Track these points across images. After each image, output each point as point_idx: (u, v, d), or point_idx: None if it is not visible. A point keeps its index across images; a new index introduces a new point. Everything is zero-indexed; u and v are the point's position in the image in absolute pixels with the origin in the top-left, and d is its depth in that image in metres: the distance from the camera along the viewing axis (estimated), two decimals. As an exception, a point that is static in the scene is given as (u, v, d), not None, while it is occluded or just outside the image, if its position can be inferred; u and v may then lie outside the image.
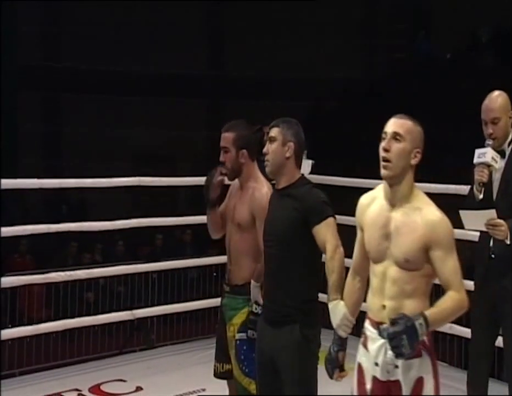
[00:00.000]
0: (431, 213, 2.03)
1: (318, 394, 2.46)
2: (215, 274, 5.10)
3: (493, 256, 2.74)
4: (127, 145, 11.99)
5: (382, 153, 2.04)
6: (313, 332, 2.41)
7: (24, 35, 11.40)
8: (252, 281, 2.64)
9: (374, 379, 2.06)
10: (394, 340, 1.91)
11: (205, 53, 13.01)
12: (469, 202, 2.76)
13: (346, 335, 2.20)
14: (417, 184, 3.01)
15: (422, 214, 2.03)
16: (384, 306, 2.04)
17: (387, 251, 2.05)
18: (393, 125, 2.06)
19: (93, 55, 11.83)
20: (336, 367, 2.19)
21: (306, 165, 4.45)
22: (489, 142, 2.73)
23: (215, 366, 2.83)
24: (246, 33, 12.37)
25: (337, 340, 2.19)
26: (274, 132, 2.47)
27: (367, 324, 2.11)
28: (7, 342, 4.56)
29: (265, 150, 2.47)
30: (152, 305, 4.82)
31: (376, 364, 2.04)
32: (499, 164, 2.73)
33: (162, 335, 5.15)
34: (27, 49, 11.52)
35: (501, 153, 2.77)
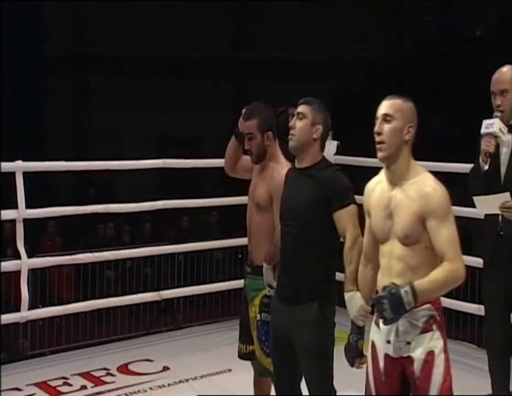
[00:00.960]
0: (425, 184, 2.07)
1: (335, 373, 2.47)
2: (240, 255, 5.12)
3: (501, 233, 2.73)
4: (154, 129, 12.04)
5: (375, 137, 2.11)
6: (330, 311, 2.43)
7: (52, 20, 11.47)
8: (264, 264, 2.63)
9: (387, 356, 2.11)
10: (377, 305, 1.99)
11: (229, 35, 12.95)
12: (474, 173, 2.76)
13: (364, 323, 2.25)
14: (444, 164, 2.97)
15: (417, 188, 2.07)
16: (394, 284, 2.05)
17: (391, 230, 2.10)
18: (382, 107, 2.13)
19: (119, 39, 11.86)
20: (356, 356, 2.23)
21: (332, 146, 4.42)
22: (497, 113, 2.75)
23: (239, 346, 2.85)
24: (270, 14, 12.26)
25: (355, 329, 2.25)
26: (304, 109, 2.44)
27: None
28: (38, 322, 4.66)
29: (291, 124, 2.44)
30: (179, 286, 4.86)
31: (388, 341, 2.09)
32: (507, 137, 2.74)
33: (189, 316, 5.20)
34: (55, 34, 11.60)
35: (510, 128, 2.77)
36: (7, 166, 3.73)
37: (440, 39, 11.66)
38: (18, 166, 3.77)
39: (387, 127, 2.09)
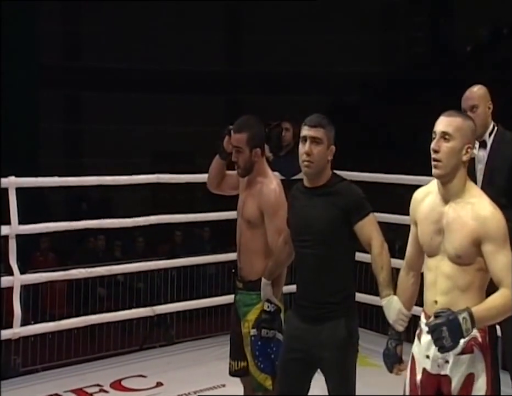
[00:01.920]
0: (482, 208, 2.02)
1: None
2: (233, 270, 5.11)
3: None
4: (147, 142, 12.06)
5: (432, 154, 2.06)
6: (355, 326, 2.43)
7: (45, 34, 11.51)
8: (263, 279, 2.62)
9: (424, 371, 2.08)
10: (435, 333, 1.92)
11: (223, 49, 13.03)
12: None
13: (403, 328, 2.21)
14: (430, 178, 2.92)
15: (473, 209, 2.02)
16: (436, 301, 2.05)
17: (440, 246, 2.06)
18: (441, 123, 2.06)
19: (113, 53, 11.91)
20: (395, 362, 2.20)
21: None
22: None
23: (230, 363, 2.83)
24: (264, 28, 12.36)
25: (394, 335, 2.21)
26: (320, 133, 2.36)
27: (422, 317, 2.14)
28: (30, 338, 4.63)
29: (307, 150, 2.35)
30: (172, 301, 4.84)
31: (427, 356, 2.06)
32: (481, 153, 2.85)
33: (182, 331, 5.19)
34: (48, 48, 11.63)
35: (483, 144, 2.88)
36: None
37: (432, 54, 11.78)
38: (11, 182, 3.75)
39: (444, 146, 2.03)
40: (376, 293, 2.35)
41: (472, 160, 2.85)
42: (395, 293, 2.24)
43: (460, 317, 1.91)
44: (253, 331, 2.66)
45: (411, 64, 12.08)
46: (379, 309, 2.43)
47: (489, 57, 10.19)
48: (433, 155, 2.05)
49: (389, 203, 3.99)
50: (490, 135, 2.91)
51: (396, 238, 4.76)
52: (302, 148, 2.38)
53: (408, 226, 2.25)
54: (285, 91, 11.71)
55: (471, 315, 1.92)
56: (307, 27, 12.34)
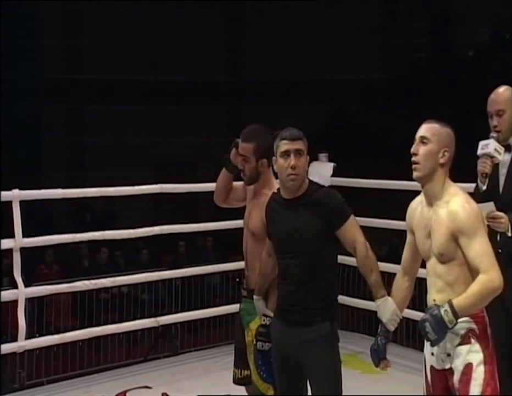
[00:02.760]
0: (454, 204, 2.14)
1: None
2: (237, 279, 5.11)
3: (500, 250, 2.67)
4: (150, 154, 12.07)
5: (412, 157, 2.21)
6: (337, 328, 2.47)
7: (47, 47, 11.57)
8: (254, 295, 2.64)
9: (432, 368, 2.20)
10: (421, 329, 2.08)
11: (224, 59, 13.07)
12: (475, 195, 2.74)
13: (394, 328, 2.34)
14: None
15: (448, 207, 2.15)
16: (434, 300, 2.17)
17: (430, 249, 2.20)
18: (420, 130, 2.22)
19: (114, 66, 11.96)
20: (383, 358, 2.32)
21: (329, 168, 4.44)
22: (493, 134, 2.77)
23: (234, 371, 2.83)
24: (264, 37, 12.39)
25: (384, 333, 2.33)
26: (301, 145, 2.41)
27: None
28: (35, 351, 4.62)
29: (294, 163, 2.38)
30: (176, 312, 4.83)
31: (432, 354, 2.19)
32: (506, 157, 2.76)
33: (187, 342, 5.17)
34: (50, 61, 11.69)
35: (507, 147, 2.79)
36: (4, 195, 3.72)
37: (434, 59, 11.78)
38: (15, 195, 3.75)
39: (422, 149, 2.18)
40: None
41: (496, 166, 2.77)
42: (388, 294, 2.36)
43: (442, 310, 2.06)
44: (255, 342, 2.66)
45: (413, 69, 12.08)
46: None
47: (491, 61, 10.18)
48: (412, 158, 2.21)
49: (393, 209, 3.98)
50: None
51: (401, 244, 4.73)
52: (286, 162, 2.39)
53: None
54: (287, 100, 11.72)
55: (451, 306, 2.06)
56: (307, 35, 12.36)
